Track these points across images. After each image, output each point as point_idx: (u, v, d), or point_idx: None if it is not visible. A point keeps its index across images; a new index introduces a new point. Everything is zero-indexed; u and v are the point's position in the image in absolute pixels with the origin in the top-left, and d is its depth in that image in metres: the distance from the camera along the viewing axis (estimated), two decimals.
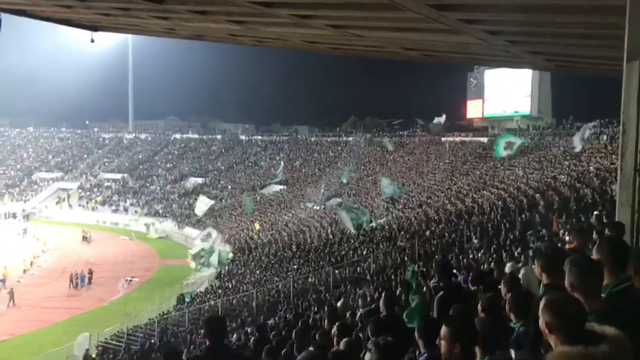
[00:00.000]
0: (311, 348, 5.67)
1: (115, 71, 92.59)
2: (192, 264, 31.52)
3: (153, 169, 74.27)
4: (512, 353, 3.78)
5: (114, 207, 65.59)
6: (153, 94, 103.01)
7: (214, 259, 30.31)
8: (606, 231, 6.38)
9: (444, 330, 3.52)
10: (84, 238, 52.63)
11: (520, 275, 6.09)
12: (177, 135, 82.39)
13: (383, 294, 6.98)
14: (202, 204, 47.84)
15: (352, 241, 33.58)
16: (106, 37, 79.47)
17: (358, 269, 27.08)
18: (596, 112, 42.94)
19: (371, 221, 29.55)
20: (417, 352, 4.46)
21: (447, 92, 73.64)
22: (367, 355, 3.16)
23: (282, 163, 55.75)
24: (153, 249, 50.22)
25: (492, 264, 14.08)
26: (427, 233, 28.82)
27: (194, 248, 32.46)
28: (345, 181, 47.49)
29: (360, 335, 6.76)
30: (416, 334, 4.24)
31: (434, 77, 75.39)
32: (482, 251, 20.72)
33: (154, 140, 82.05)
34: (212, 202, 50.69)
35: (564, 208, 22.38)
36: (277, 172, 50.16)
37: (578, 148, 28.93)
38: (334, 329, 5.33)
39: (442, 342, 3.50)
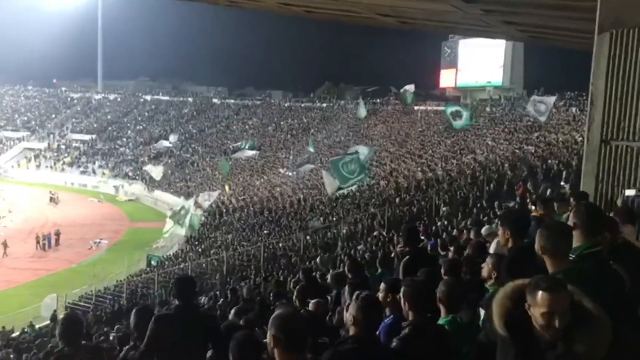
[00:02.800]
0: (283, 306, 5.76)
1: (84, 29, 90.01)
2: (168, 225, 31.35)
3: (122, 131, 73.07)
4: (482, 313, 3.91)
5: (82, 169, 64.57)
6: (123, 54, 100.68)
7: (186, 220, 30.15)
8: (570, 200, 6.54)
9: (403, 289, 3.64)
10: (52, 199, 51.82)
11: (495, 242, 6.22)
12: (148, 97, 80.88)
13: (347, 260, 7.09)
14: (155, 172, 47.30)
15: (323, 207, 33.79)
16: None
17: (329, 234, 27.34)
18: (567, 84, 43.59)
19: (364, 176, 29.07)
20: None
21: (421, 60, 73.67)
22: (351, 307, 3.26)
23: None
24: (122, 212, 49.79)
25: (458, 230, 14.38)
26: (397, 200, 29.14)
27: (175, 207, 32.14)
28: (312, 150, 47.39)
29: (328, 297, 6.88)
30: (381, 295, 4.32)
31: (409, 45, 75.21)
32: (450, 218, 21.06)
33: (123, 101, 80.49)
34: (161, 167, 50.06)
35: (531, 178, 22.81)
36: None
37: (539, 119, 29.26)
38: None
39: (402, 301, 3.63)
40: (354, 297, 3.25)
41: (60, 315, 23.12)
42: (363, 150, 32.55)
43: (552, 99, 24.48)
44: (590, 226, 3.22)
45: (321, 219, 31.29)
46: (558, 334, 2.33)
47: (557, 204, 6.81)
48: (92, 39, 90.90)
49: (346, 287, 5.14)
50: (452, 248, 6.43)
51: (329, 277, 9.70)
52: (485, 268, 4.24)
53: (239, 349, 3.22)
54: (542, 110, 23.93)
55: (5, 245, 35.05)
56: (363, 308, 3.16)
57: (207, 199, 35.48)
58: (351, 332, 3.23)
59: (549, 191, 18.04)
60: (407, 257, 5.87)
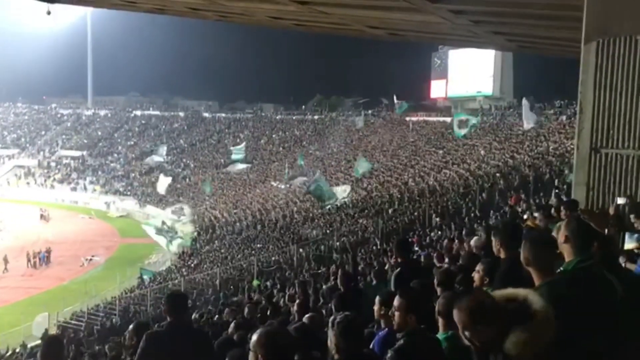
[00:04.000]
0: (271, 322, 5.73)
1: (74, 46, 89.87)
2: (161, 240, 31.18)
3: (113, 147, 72.85)
4: None
5: (72, 185, 64.24)
6: (113, 70, 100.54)
7: (177, 239, 30.14)
8: (561, 209, 6.57)
9: (397, 301, 3.62)
10: (42, 216, 51.48)
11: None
12: (138, 112, 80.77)
13: (339, 272, 7.09)
14: (162, 182, 47.33)
15: (316, 220, 33.75)
16: (65, 11, 77.15)
17: (322, 247, 27.28)
18: (557, 92, 43.94)
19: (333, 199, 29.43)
20: (378, 327, 4.55)
21: (412, 72, 73.99)
22: (330, 332, 3.22)
23: (243, 143, 54.90)
24: (114, 228, 49.49)
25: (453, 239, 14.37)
26: (390, 211, 29.15)
27: (154, 221, 31.92)
28: (301, 163, 47.51)
29: (323, 311, 6.86)
30: (376, 308, 4.30)
31: (399, 56, 75.59)
32: (443, 229, 21.08)
33: (113, 117, 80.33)
34: (169, 178, 50.12)
35: (523, 187, 22.90)
36: (236, 149, 49.37)
37: (528, 126, 29.47)
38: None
39: (396, 313, 3.60)
40: (330, 323, 3.22)
41: (52, 333, 22.90)
42: (362, 164, 32.63)
43: (525, 104, 24.54)
44: (582, 241, 3.22)
45: (314, 231, 31.25)
46: (480, 347, 2.31)
47: (540, 216, 6.84)
48: (81, 55, 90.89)
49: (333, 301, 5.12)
50: (445, 259, 6.43)
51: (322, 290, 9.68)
52: (476, 275, 4.24)
53: None
54: (522, 115, 24.10)
55: (6, 260, 35.29)
56: (342, 334, 3.14)
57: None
58: (335, 358, 3.17)
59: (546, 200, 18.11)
60: (399, 269, 5.87)
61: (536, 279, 3.00)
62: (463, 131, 27.95)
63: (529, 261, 3.04)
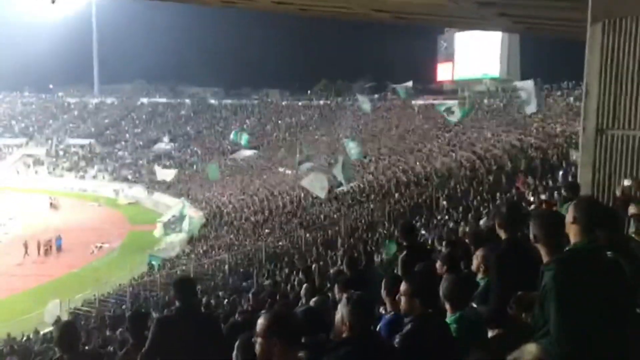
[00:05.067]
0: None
1: (79, 34, 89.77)
2: (159, 231, 31.32)
3: (120, 134, 73.02)
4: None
5: (81, 174, 64.55)
6: (119, 58, 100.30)
7: (185, 225, 30.18)
8: (562, 191, 6.55)
9: (403, 286, 3.62)
10: (52, 205, 51.80)
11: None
12: (145, 100, 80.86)
13: (345, 257, 7.13)
14: (163, 174, 47.27)
15: (324, 205, 33.80)
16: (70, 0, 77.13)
17: (329, 231, 27.37)
18: (564, 74, 43.54)
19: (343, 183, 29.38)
20: (384, 311, 4.58)
21: (418, 54, 73.50)
22: (339, 306, 3.22)
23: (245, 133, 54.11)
24: (123, 215, 49.75)
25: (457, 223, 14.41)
26: (397, 195, 29.17)
27: (165, 216, 32.08)
28: (305, 151, 47.11)
29: (329, 294, 6.92)
30: (383, 292, 4.33)
31: (405, 40, 74.95)
32: (450, 212, 21.08)
33: (120, 105, 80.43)
34: (173, 170, 49.81)
35: (530, 169, 22.84)
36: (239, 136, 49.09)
37: (527, 110, 29.13)
38: None
39: (402, 298, 3.60)
40: (345, 299, 3.21)
41: (64, 320, 23.16)
42: (351, 145, 32.53)
43: (529, 83, 24.21)
44: (590, 221, 3.19)
45: (321, 215, 31.32)
46: None
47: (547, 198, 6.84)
48: (87, 43, 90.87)
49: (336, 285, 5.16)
50: (449, 242, 6.45)
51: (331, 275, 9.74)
52: (475, 261, 4.24)
53: (244, 350, 3.22)
54: (523, 97, 23.74)
55: (26, 246, 35.57)
56: (354, 310, 3.11)
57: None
58: (344, 335, 3.14)
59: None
60: (405, 252, 5.90)
61: (545, 256, 3.02)
62: (455, 117, 27.70)
63: (538, 238, 3.06)
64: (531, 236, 3.10)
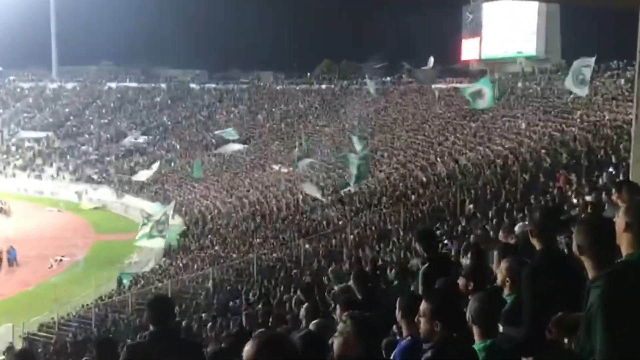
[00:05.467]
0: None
1: (34, 7, 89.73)
2: (143, 233, 31.25)
3: (84, 126, 73.11)
4: (500, 329, 3.88)
5: (37, 173, 64.60)
6: (81, 35, 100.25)
7: (166, 232, 30.14)
8: (613, 192, 6.54)
9: (423, 306, 3.60)
10: (2, 210, 51.90)
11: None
12: (113, 84, 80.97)
13: (353, 271, 7.14)
14: (142, 175, 47.41)
15: (326, 209, 33.81)
16: None
17: (333, 241, 27.38)
18: (613, 52, 43.42)
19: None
20: (399, 335, 4.57)
21: (439, 29, 73.41)
22: (339, 326, 3.21)
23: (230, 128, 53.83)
24: (87, 222, 49.80)
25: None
26: (414, 197, 29.16)
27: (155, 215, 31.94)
28: (305, 147, 47.28)
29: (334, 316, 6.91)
30: (397, 314, 4.32)
31: (423, 12, 74.95)
32: (477, 218, 21.07)
33: (83, 91, 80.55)
34: (152, 171, 49.96)
35: (573, 165, 22.82)
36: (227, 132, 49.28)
37: (579, 92, 29.09)
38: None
39: (422, 320, 3.59)
40: (344, 319, 3.20)
41: (18, 347, 23.17)
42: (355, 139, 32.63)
43: (591, 60, 24.14)
44: None
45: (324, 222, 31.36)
46: None
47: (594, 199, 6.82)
48: (44, 19, 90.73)
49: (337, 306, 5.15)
50: (477, 253, 6.44)
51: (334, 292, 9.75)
52: (499, 274, 4.24)
53: None
54: (587, 77, 23.65)
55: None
56: (357, 332, 3.10)
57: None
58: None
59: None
60: (427, 264, 5.88)
61: (591, 271, 2.99)
62: (483, 103, 27.59)
63: (583, 249, 3.03)
64: (574, 247, 3.09)
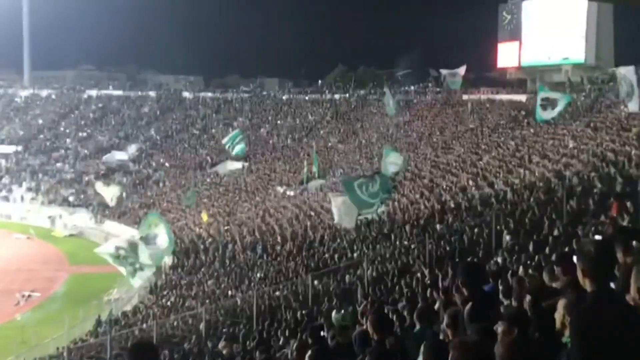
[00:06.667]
0: None
1: (4, 5, 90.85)
2: (123, 269, 31.25)
3: (59, 140, 73.53)
4: None
5: (4, 193, 64.97)
6: (58, 36, 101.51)
7: (144, 259, 29.90)
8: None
9: (451, 355, 3.59)
10: None
11: None
12: (93, 92, 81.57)
13: (371, 314, 7.10)
14: (108, 194, 47.55)
15: (339, 240, 33.74)
16: None
17: (347, 277, 27.28)
18: None
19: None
20: None
21: (472, 32, 73.83)
22: None
23: (237, 130, 54.12)
24: (60, 252, 49.93)
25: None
26: (440, 227, 29.06)
27: (107, 246, 31.82)
28: (315, 170, 47.31)
29: None
30: None
31: (453, 12, 75.50)
32: (515, 250, 20.94)
33: (59, 99, 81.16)
34: (116, 187, 50.22)
35: (629, 192, 22.68)
36: (231, 138, 49.24)
37: (631, 106, 29.09)
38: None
39: None
40: None
41: None
42: (392, 159, 32.55)
43: (630, 71, 24.02)
44: None
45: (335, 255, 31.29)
46: None
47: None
48: (15, 16, 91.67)
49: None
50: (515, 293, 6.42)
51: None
52: (557, 315, 4.21)
53: None
54: (625, 90, 23.49)
55: None
56: None
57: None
58: None
59: None
60: (471, 304, 5.78)
61: None
62: (549, 114, 27.35)
63: (585, 273, 3.27)
64: (578, 272, 3.19)
